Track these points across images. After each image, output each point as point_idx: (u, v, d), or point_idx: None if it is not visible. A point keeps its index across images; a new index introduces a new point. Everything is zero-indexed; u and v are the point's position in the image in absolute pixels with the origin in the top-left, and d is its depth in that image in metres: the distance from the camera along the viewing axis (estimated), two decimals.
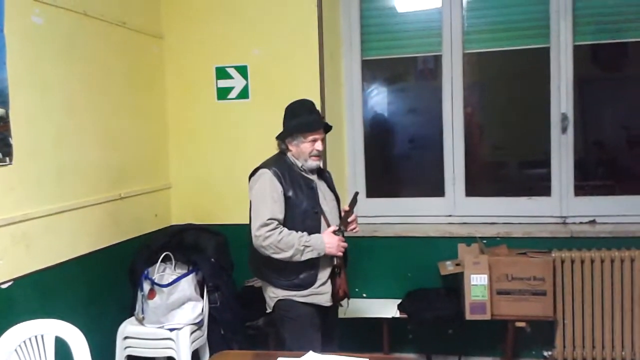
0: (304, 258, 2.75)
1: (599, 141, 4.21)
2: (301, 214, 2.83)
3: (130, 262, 3.60)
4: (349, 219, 2.92)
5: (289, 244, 2.73)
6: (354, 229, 2.97)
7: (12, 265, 2.75)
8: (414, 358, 2.37)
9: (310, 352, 2.23)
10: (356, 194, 3.09)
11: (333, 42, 4.16)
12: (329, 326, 2.95)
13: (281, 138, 2.93)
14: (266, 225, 2.74)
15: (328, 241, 2.79)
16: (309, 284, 2.83)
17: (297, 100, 2.98)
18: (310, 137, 2.86)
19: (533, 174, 4.27)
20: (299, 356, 2.22)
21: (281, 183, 2.81)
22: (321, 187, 2.96)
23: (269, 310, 2.97)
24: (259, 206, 2.79)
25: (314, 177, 2.94)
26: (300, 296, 2.83)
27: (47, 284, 2.98)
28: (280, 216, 2.79)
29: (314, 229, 2.84)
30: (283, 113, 2.96)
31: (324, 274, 2.86)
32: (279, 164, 2.87)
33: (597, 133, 4.20)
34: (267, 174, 2.82)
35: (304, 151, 2.87)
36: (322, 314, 2.89)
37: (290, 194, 2.81)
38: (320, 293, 2.85)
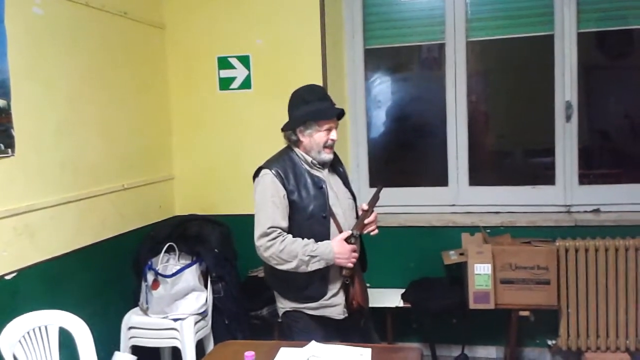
0: (310, 269, 2.48)
1: (604, 129, 4.19)
2: (307, 218, 2.54)
3: (134, 252, 3.61)
4: (367, 220, 2.58)
5: (292, 254, 2.46)
6: (372, 231, 2.63)
7: (16, 257, 2.76)
8: (417, 347, 2.36)
9: (313, 342, 2.23)
10: (379, 189, 2.70)
11: (335, 31, 4.14)
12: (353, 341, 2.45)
13: (291, 128, 2.60)
14: (266, 234, 2.48)
15: (338, 250, 2.48)
16: (318, 295, 2.56)
17: (306, 86, 2.68)
18: (326, 126, 2.56)
19: (537, 163, 4.25)
20: (302, 346, 2.21)
21: (284, 185, 2.52)
22: (334, 185, 2.65)
23: (279, 320, 2.76)
24: (259, 213, 2.53)
25: (324, 174, 2.63)
26: (310, 309, 2.57)
27: (51, 275, 2.99)
28: (283, 223, 2.51)
29: (323, 235, 2.54)
30: (287, 103, 2.67)
31: (335, 285, 2.58)
32: (283, 162, 2.58)
33: (602, 121, 4.16)
34: (267, 176, 2.54)
35: (318, 142, 2.57)
36: (335, 327, 2.60)
37: (294, 196, 2.53)
38: (331, 305, 2.58)
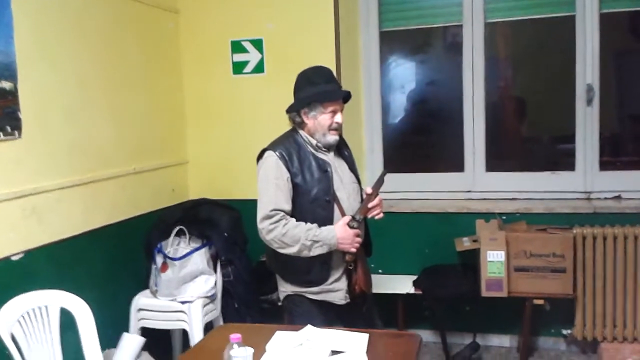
0: (312, 254, 2.44)
1: (627, 114, 4.04)
2: (311, 202, 2.50)
3: (145, 236, 3.63)
4: (371, 204, 2.55)
5: (294, 238, 2.42)
6: (377, 214, 2.58)
7: (23, 238, 2.79)
8: (416, 334, 2.31)
9: (309, 326, 2.20)
10: (383, 173, 2.67)
11: (350, 14, 4.07)
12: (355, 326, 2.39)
13: (295, 110, 2.57)
14: (269, 217, 2.45)
15: (340, 235, 2.44)
16: (320, 280, 2.53)
17: (312, 67, 2.61)
18: (331, 108, 2.51)
19: (557, 148, 4.14)
20: (297, 329, 2.19)
21: (288, 167, 2.48)
22: (338, 168, 2.60)
23: (279, 304, 2.75)
24: (262, 195, 2.50)
25: (329, 157, 2.59)
26: (311, 293, 2.55)
27: (59, 256, 3.02)
28: (287, 206, 2.47)
29: (326, 219, 2.50)
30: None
31: (337, 270, 2.55)
32: (287, 144, 2.54)
33: (625, 106, 4.02)
34: (271, 157, 2.50)
35: (322, 124, 2.52)
36: (337, 313, 2.57)
37: (298, 179, 2.49)
38: (333, 290, 2.55)
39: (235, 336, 1.75)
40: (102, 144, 3.36)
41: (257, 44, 4.01)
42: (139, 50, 3.70)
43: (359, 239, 2.51)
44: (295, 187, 2.50)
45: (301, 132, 2.60)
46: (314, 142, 2.57)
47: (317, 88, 2.53)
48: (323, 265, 2.53)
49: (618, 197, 3.80)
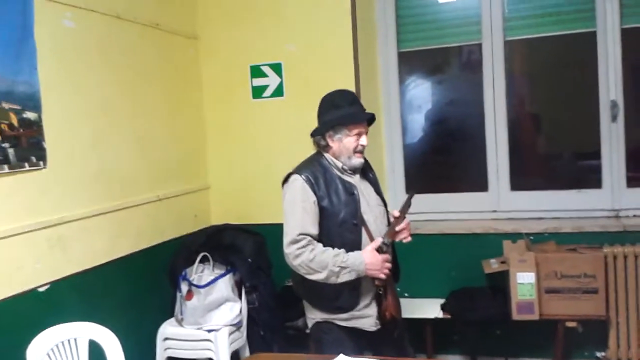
0: (340, 280, 2.39)
1: None
2: (339, 225, 2.46)
3: (169, 263, 3.61)
4: (398, 227, 2.49)
5: (322, 264, 2.36)
6: (405, 238, 2.53)
7: (49, 269, 2.78)
8: None
9: (341, 355, 2.15)
10: (410, 195, 2.58)
11: (368, 35, 4.07)
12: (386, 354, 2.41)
13: (320, 133, 2.55)
14: (296, 242, 2.40)
15: (369, 261, 2.39)
16: (350, 306, 2.48)
17: (336, 91, 2.61)
18: (356, 131, 2.49)
19: (582, 166, 4.06)
20: (328, 358, 2.14)
21: (314, 191, 2.45)
22: (364, 191, 2.57)
23: (307, 331, 2.68)
24: (288, 219, 2.46)
25: (355, 180, 2.56)
26: (341, 320, 2.49)
27: (85, 286, 3.00)
28: (313, 230, 2.43)
29: (354, 243, 2.47)
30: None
31: (367, 295, 2.50)
32: (313, 168, 2.51)
33: None
34: (298, 181, 2.47)
35: (347, 147, 2.50)
36: (367, 339, 2.52)
37: (325, 202, 2.45)
38: (363, 316, 2.50)
39: None
40: (126, 171, 3.35)
41: (276, 68, 4.01)
42: (161, 77, 3.71)
43: (388, 265, 2.45)
44: (322, 210, 2.46)
45: (326, 155, 2.58)
46: (339, 164, 2.55)
47: (342, 111, 2.52)
48: (352, 292, 2.47)
49: None
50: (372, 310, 2.52)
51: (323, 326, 2.54)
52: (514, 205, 3.99)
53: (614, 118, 3.76)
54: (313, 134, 2.60)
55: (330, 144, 2.54)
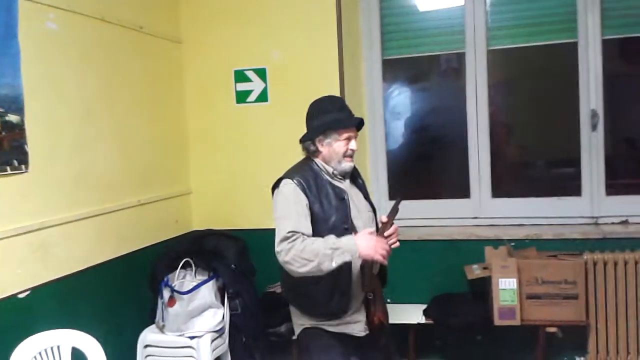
0: (335, 264, 2.31)
1: (631, 138, 4.05)
2: (329, 230, 2.44)
3: (150, 269, 3.56)
4: (387, 233, 2.47)
5: (314, 251, 2.31)
6: (393, 243, 2.50)
7: (29, 275, 2.72)
8: None
9: None
10: (398, 201, 2.58)
11: (353, 43, 4.08)
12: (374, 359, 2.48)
13: (310, 138, 2.55)
14: (287, 238, 2.36)
15: (362, 242, 2.34)
16: (340, 311, 2.47)
17: (325, 97, 2.64)
18: (345, 135, 2.51)
19: (562, 173, 4.12)
20: None
21: (306, 195, 2.45)
22: (354, 197, 2.58)
23: (294, 337, 2.66)
24: (280, 221, 2.42)
25: (345, 185, 2.56)
26: (330, 325, 2.49)
27: (66, 293, 2.95)
28: (306, 230, 2.40)
29: None
30: (304, 115, 2.61)
31: (356, 300, 2.51)
32: (304, 173, 2.51)
33: (628, 130, 4.02)
34: (290, 185, 2.46)
35: (337, 151, 2.51)
36: (355, 345, 2.52)
37: (316, 207, 2.45)
38: (352, 322, 2.50)
39: None
40: (107, 175, 3.31)
41: (261, 73, 4.00)
42: (143, 80, 3.67)
43: (384, 246, 2.38)
44: (313, 215, 2.45)
45: (316, 160, 2.57)
46: (330, 169, 2.55)
47: (331, 116, 2.52)
48: (343, 297, 2.46)
49: (625, 222, 3.79)
50: (362, 315, 2.52)
51: (311, 332, 2.52)
52: (495, 212, 4.03)
53: (594, 127, 3.82)
54: (302, 140, 2.59)
55: (320, 148, 2.54)
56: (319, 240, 2.37)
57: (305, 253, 2.32)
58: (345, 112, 2.59)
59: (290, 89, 3.93)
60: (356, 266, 2.46)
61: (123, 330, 3.33)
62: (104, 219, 3.25)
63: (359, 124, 2.61)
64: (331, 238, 2.37)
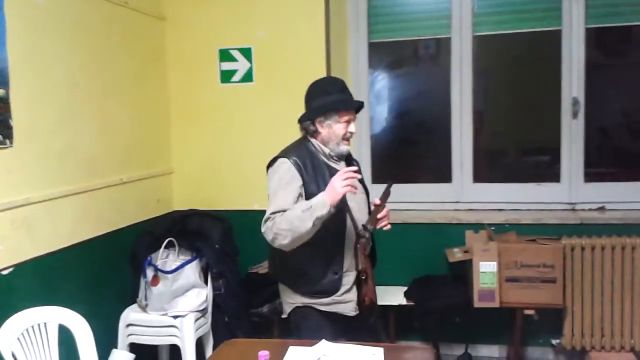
0: (313, 221, 2.28)
1: (609, 127, 4.13)
2: None
3: (131, 248, 3.53)
4: (379, 215, 2.52)
5: (291, 218, 2.32)
6: (385, 225, 2.55)
7: (12, 251, 2.68)
8: (429, 348, 2.30)
9: (323, 341, 2.16)
10: (389, 185, 2.64)
11: (339, 25, 4.06)
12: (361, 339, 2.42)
13: (310, 118, 2.53)
14: (268, 219, 2.38)
15: (326, 193, 2.33)
16: (332, 290, 2.49)
17: (326, 77, 2.64)
18: (346, 117, 2.50)
19: (542, 160, 4.20)
20: (311, 344, 2.15)
21: (302, 175, 2.45)
22: None
23: (284, 316, 2.65)
24: (271, 201, 2.43)
25: (340, 167, 2.54)
26: (322, 304, 2.51)
27: (48, 270, 2.91)
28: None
29: (338, 229, 2.49)
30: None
31: (348, 280, 2.53)
32: (301, 152, 2.50)
33: (608, 119, 4.10)
34: (285, 164, 2.46)
35: (337, 133, 2.50)
36: (344, 325, 2.54)
37: (312, 188, 2.44)
38: (343, 301, 2.52)
39: (263, 353, 1.70)
40: (90, 152, 3.25)
41: (246, 52, 3.97)
42: (126, 57, 3.61)
43: (341, 178, 2.33)
44: (308, 195, 2.44)
45: (313, 141, 2.56)
46: (327, 151, 2.55)
47: (333, 97, 2.52)
48: (335, 275, 2.49)
49: (602, 208, 3.88)
50: (353, 295, 2.54)
51: (302, 311, 2.53)
52: (476, 197, 4.09)
53: (574, 115, 3.89)
54: (301, 120, 2.58)
55: (320, 129, 2.54)
56: (293, 207, 2.36)
57: (284, 224, 2.33)
58: (347, 94, 2.59)
59: (276, 70, 3.91)
60: (348, 242, 2.50)
61: (104, 308, 3.29)
62: (87, 196, 3.20)
63: (359, 107, 2.62)
64: (303, 202, 2.38)
